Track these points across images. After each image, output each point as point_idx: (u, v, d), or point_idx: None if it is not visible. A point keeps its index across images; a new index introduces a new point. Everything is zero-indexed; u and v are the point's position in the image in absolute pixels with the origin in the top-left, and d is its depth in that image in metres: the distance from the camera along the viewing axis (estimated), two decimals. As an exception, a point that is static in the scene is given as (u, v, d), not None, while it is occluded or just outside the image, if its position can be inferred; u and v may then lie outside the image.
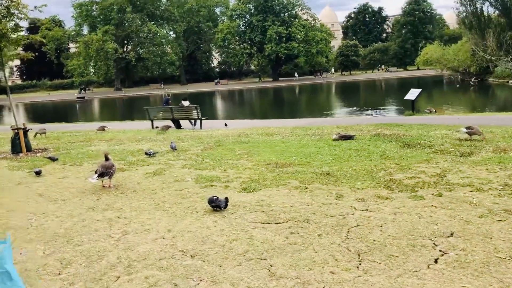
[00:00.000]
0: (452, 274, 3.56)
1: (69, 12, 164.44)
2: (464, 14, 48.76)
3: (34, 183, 7.83)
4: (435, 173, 7.00)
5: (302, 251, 4.18)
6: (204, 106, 31.62)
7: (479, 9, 47.17)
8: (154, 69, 74.23)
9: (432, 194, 5.80)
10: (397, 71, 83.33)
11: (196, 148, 10.97)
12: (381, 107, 30.36)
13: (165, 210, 5.76)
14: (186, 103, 19.52)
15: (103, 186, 7.18)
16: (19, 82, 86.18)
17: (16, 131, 11.35)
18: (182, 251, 4.39)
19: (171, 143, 11.04)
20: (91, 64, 68.68)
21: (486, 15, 47.76)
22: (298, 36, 72.11)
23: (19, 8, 10.38)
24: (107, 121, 26.37)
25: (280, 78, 77.80)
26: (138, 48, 72.75)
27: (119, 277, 3.91)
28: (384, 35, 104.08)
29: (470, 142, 9.82)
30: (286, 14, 73.72)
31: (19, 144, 11.31)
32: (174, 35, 77.55)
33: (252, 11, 73.27)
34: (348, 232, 4.60)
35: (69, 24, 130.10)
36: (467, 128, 10.21)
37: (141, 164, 9.03)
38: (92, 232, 5.09)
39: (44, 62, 69.24)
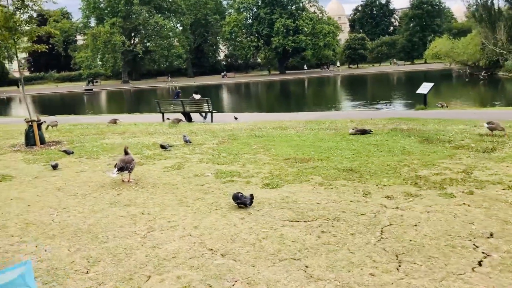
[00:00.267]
0: (500, 278, 3.42)
1: (76, 4, 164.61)
2: (475, 7, 48.19)
3: (51, 176, 7.73)
4: (461, 170, 6.84)
5: (337, 252, 4.05)
6: (212, 99, 31.50)
7: (489, 1, 46.52)
8: (161, 62, 74.01)
9: (463, 192, 5.64)
10: (404, 64, 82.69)
11: (211, 142, 10.85)
12: (390, 101, 30.08)
13: (189, 206, 5.64)
14: (197, 96, 19.37)
15: (123, 181, 7.08)
16: (27, 74, 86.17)
17: (30, 123, 11.26)
18: (212, 249, 4.27)
19: (184, 136, 10.92)
20: (99, 57, 68.52)
21: (497, 8, 47.18)
22: (306, 29, 71.55)
23: (34, 0, 10.26)
24: (116, 114, 26.30)
25: (286, 71, 77.40)
26: (145, 41, 72.50)
27: (149, 276, 3.80)
28: (392, 28, 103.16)
29: (491, 137, 9.63)
30: (294, 6, 73.11)
31: (33, 137, 11.23)
32: (181, 28, 77.19)
33: (259, 4, 72.75)
34: (381, 231, 4.46)
35: (77, 16, 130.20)
36: (489, 123, 10.01)
37: (158, 158, 8.92)
38: (117, 229, 4.98)
39: (51, 54, 69.17)
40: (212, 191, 6.28)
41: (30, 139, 11.26)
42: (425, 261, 3.76)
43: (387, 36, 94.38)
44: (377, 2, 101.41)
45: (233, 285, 3.56)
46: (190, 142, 10.72)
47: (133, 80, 73.11)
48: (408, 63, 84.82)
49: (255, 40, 72.96)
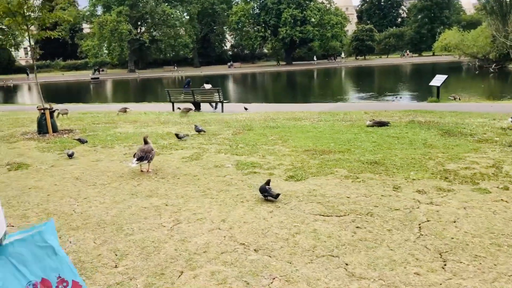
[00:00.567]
0: (556, 280, 3.24)
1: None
2: (486, -2, 47.59)
3: (68, 165, 7.59)
4: (490, 164, 6.63)
5: (376, 248, 3.87)
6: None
7: (501, -7, 45.90)
8: (168, 51, 73.72)
9: (497, 187, 5.44)
10: (412, 56, 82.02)
11: (226, 132, 10.67)
12: (398, 93, 29.76)
13: (213, 198, 5.48)
14: (208, 86, 19.17)
15: (141, 171, 6.92)
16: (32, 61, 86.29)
17: (42, 111, 11.11)
18: (243, 244, 4.10)
19: (196, 126, 10.74)
20: (105, 45, 68.25)
21: (508, 0, 46.54)
22: (313, 20, 70.97)
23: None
24: (123, 103, 26.12)
25: (293, 62, 76.91)
26: (152, 30, 72.18)
27: (182, 272, 3.64)
28: (399, 20, 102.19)
29: (515, 131, 9.40)
30: (301, -4, 72.55)
31: (45, 125, 11.09)
32: (188, 17, 76.75)
33: (267, -7, 72.19)
34: (420, 227, 4.28)
35: (83, 4, 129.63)
36: (512, 117, 9.78)
37: (174, 148, 8.76)
38: (141, 221, 4.82)
39: (58, 43, 68.92)
40: (235, 182, 6.11)
41: (43, 127, 11.12)
42: (471, 260, 3.58)
43: (395, 27, 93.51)
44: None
45: (271, 283, 3.40)
46: (204, 132, 10.56)
47: (139, 69, 72.90)
48: (416, 55, 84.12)
49: (262, 30, 72.51)
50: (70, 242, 4.36)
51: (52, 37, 11.25)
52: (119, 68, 78.47)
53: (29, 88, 53.30)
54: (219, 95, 17.73)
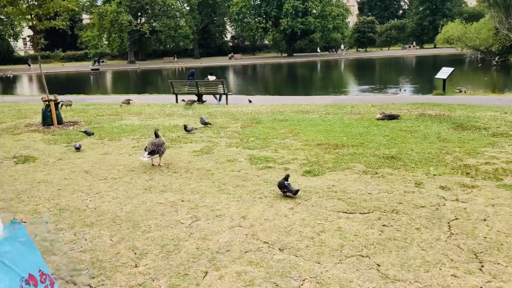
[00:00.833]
0: None
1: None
2: (489, -10, 47.19)
3: (76, 158, 7.42)
4: (510, 159, 6.47)
5: (407, 248, 3.72)
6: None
7: (504, -15, 45.51)
8: (168, 42, 73.20)
9: (522, 183, 5.29)
10: (417, 48, 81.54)
11: (234, 125, 10.49)
12: (399, 86, 29.55)
13: (230, 194, 5.32)
14: (212, 78, 18.93)
15: (153, 165, 6.76)
16: (31, 52, 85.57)
17: (47, 102, 10.91)
18: (267, 242, 3.95)
19: (202, 118, 10.54)
20: (105, 36, 67.71)
21: (512, -9, 46.17)
22: (315, 11, 70.42)
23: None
24: (124, 94, 25.88)
25: (294, 54, 76.46)
26: (152, 21, 71.58)
27: (206, 272, 3.49)
28: (401, 11, 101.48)
29: (529, 125, 9.23)
30: (303, -13, 71.92)
31: (50, 117, 10.90)
32: (188, 8, 76.12)
33: (268, -16, 71.57)
34: (449, 226, 4.13)
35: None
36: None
37: (183, 141, 8.58)
38: (158, 217, 4.66)
39: (57, 33, 68.39)
40: (250, 177, 5.95)
41: (47, 119, 10.93)
42: (509, 262, 3.43)
43: (396, 19, 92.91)
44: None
45: (301, 285, 3.24)
46: (210, 124, 10.38)
47: (139, 61, 72.46)
48: (417, 47, 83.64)
49: (263, 21, 71.94)
50: (86, 239, 4.20)
51: (57, 27, 11.02)
52: (119, 59, 77.98)
53: (30, 79, 52.96)
54: (223, 87, 17.51)
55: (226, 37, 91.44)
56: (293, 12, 68.03)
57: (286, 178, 5.19)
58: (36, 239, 4.23)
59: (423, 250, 3.68)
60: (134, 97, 20.80)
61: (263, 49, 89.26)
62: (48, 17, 11.58)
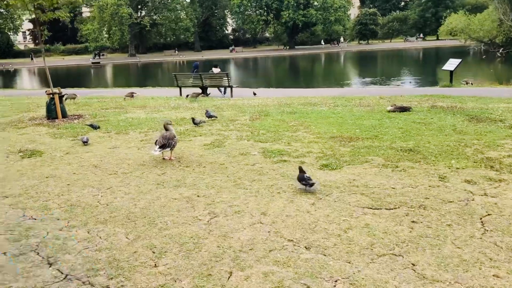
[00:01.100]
0: None
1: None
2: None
3: (84, 152, 7.22)
4: (532, 152, 6.26)
5: (441, 246, 3.52)
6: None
7: (508, -25, 45.06)
8: (169, 35, 72.73)
9: (551, 177, 5.08)
10: (422, 39, 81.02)
11: (243, 118, 10.28)
12: (406, 78, 29.29)
13: (247, 189, 5.12)
14: (216, 70, 18.69)
15: (163, 159, 6.56)
16: (31, 46, 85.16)
17: (51, 96, 10.70)
18: (292, 240, 3.75)
19: (207, 111, 10.31)
20: (105, 29, 67.23)
21: (516, -18, 45.74)
22: (316, 3, 69.96)
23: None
24: (127, 87, 25.65)
25: (296, 47, 76.01)
26: (152, 14, 71.08)
27: (231, 272, 3.30)
28: (403, 3, 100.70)
29: (546, 117, 9.01)
30: (305, -21, 71.36)
31: (54, 110, 10.69)
32: (188, 0, 75.57)
33: (269, -24, 70.97)
34: (482, 222, 3.93)
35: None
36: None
37: (192, 134, 8.38)
38: (174, 213, 4.47)
39: (57, 26, 68.03)
40: (266, 172, 5.75)
41: (52, 112, 10.73)
42: (553, 261, 3.24)
43: (398, 11, 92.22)
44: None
45: (334, 286, 3.05)
46: (216, 117, 10.16)
47: (140, 54, 72.08)
48: (420, 39, 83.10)
49: (265, 13, 71.45)
50: (100, 237, 4.01)
51: (61, 19, 10.77)
52: (119, 52, 77.59)
53: (33, 73, 52.68)
54: (228, 79, 17.28)
55: (227, 30, 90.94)
56: (295, 4, 67.58)
57: (301, 169, 5.00)
58: (49, 236, 4.05)
59: (459, 248, 3.49)
60: (138, 90, 20.58)
61: (264, 42, 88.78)
62: (51, 8, 11.30)
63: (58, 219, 4.47)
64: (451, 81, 20.04)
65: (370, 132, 8.11)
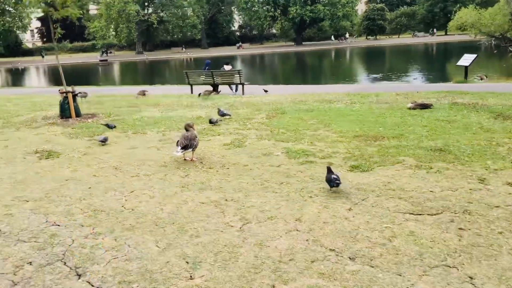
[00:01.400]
0: None
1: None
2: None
3: (102, 153, 7.03)
4: None
5: (497, 257, 3.28)
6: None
7: (521, -32, 44.29)
8: (176, 32, 72.42)
9: None
10: (424, 36, 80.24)
11: (259, 116, 10.06)
12: (417, 74, 28.89)
13: (276, 192, 4.90)
14: (228, 68, 18.45)
15: (185, 159, 6.35)
16: (39, 44, 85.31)
17: (64, 94, 10.53)
18: (334, 250, 3.53)
19: (220, 110, 10.07)
20: (112, 27, 67.09)
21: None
22: (324, -1, 69.38)
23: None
24: (137, 85, 25.47)
25: (303, 43, 75.50)
26: (159, 11, 70.83)
27: (273, 286, 3.08)
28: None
29: None
30: (312, -25, 70.74)
31: (68, 109, 10.52)
32: (195, -3, 75.21)
33: (276, -28, 70.46)
34: (536, 230, 3.69)
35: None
36: None
37: (210, 134, 8.17)
38: (204, 219, 4.26)
39: (65, 24, 67.88)
40: (293, 174, 5.52)
41: (65, 111, 10.56)
42: None
43: (406, 6, 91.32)
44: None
45: (388, 302, 2.83)
46: (229, 115, 9.92)
47: (147, 51, 71.90)
48: (427, 34, 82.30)
49: (272, 9, 70.91)
50: (129, 245, 3.81)
51: (72, 16, 10.58)
52: (126, 50, 77.47)
53: (43, 71, 52.73)
54: (239, 76, 17.05)
55: (234, 27, 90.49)
56: (302, 0, 67.04)
57: (329, 170, 4.79)
58: (74, 245, 3.85)
59: (517, 259, 3.25)
60: (147, 88, 20.41)
61: (270, 38, 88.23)
62: (63, 6, 11.10)
63: (82, 225, 4.28)
64: (466, 76, 19.68)
65: (395, 130, 7.86)
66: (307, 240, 3.73)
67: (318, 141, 7.23)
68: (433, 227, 3.82)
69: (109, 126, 8.98)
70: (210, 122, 9.16)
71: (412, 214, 4.12)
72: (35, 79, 43.13)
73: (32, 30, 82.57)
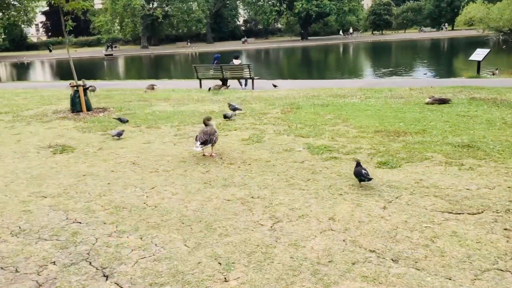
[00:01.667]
0: None
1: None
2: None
3: (117, 148, 6.85)
4: None
5: (552, 260, 3.09)
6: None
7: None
8: (181, 26, 72.08)
9: None
10: (431, 31, 79.63)
11: (274, 111, 9.86)
12: (420, 69, 28.57)
13: (303, 189, 4.71)
14: (237, 62, 18.21)
15: (203, 155, 6.17)
16: (44, 38, 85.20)
17: (75, 88, 10.35)
18: (374, 251, 3.34)
19: (231, 104, 9.86)
20: (117, 21, 66.80)
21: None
22: (330, -7, 68.79)
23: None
24: (142, 80, 25.29)
25: (309, 37, 75.06)
26: (164, 5, 70.51)
27: (315, 289, 2.90)
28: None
29: None
30: (318, -31, 70.15)
31: (79, 103, 10.35)
32: (201, -9, 74.79)
33: (282, -34, 69.98)
34: None
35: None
36: None
37: (227, 129, 7.98)
38: (231, 217, 4.08)
39: (70, 18, 67.76)
40: (319, 170, 5.32)
41: (76, 105, 10.39)
42: None
43: (412, 1, 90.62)
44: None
45: (442, 308, 2.64)
46: (241, 110, 9.72)
47: (152, 46, 71.66)
48: (434, 29, 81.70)
49: (277, 4, 70.50)
50: (156, 245, 3.63)
51: (83, 8, 10.39)
52: (131, 44, 77.27)
53: (50, 66, 52.63)
54: (249, 71, 16.82)
55: (239, 21, 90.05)
56: (308, -6, 66.57)
57: (358, 163, 4.62)
58: (98, 243, 3.68)
59: None
60: (156, 83, 20.22)
61: (276, 33, 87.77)
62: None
63: (104, 223, 4.11)
64: (478, 71, 19.39)
65: (416, 126, 7.65)
66: (343, 240, 3.54)
67: (339, 137, 7.03)
68: (476, 227, 3.62)
69: (122, 120, 8.80)
70: (225, 117, 8.97)
71: (451, 213, 3.92)
72: (41, 73, 43.00)
73: (37, 24, 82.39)
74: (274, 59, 50.97)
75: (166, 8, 70.35)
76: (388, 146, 6.29)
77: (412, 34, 76.62)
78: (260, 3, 72.82)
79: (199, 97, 13.46)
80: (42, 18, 79.64)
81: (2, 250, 3.65)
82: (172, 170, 5.59)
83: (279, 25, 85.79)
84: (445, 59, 37.80)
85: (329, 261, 3.23)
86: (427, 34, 74.07)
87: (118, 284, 3.09)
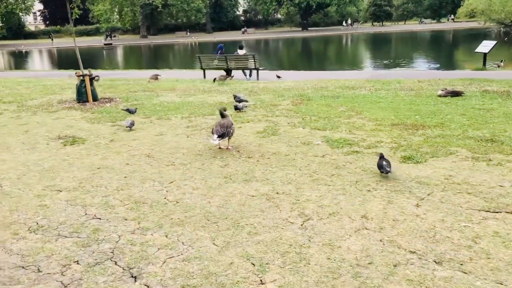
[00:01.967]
0: None
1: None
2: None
3: (130, 140, 6.67)
4: None
5: None
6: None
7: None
8: (180, 16, 71.47)
9: None
10: (431, 23, 79.21)
11: (284, 103, 9.68)
12: (424, 60, 28.38)
13: (329, 185, 4.54)
14: (241, 52, 17.97)
15: (220, 148, 5.99)
16: (42, 27, 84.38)
17: (81, 78, 10.13)
18: (414, 252, 3.18)
19: (236, 96, 9.66)
20: (116, 11, 66.12)
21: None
22: (331, -17, 68.23)
23: None
24: (143, 69, 25.00)
25: (309, 28, 74.56)
26: (163, -7, 69.81)
27: (361, 294, 2.74)
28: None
29: None
30: (319, -42, 69.46)
31: (85, 93, 10.14)
32: (200, -20, 74.02)
33: (282, -45, 69.24)
34: None
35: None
36: None
37: (239, 121, 7.79)
38: (258, 214, 3.92)
39: (75, 6, 66.93)
40: (342, 165, 5.16)
41: (82, 95, 10.18)
42: None
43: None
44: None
45: (498, 316, 2.49)
46: (247, 101, 9.51)
47: (151, 35, 71.08)
48: (434, 21, 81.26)
49: (278, -6, 69.93)
50: (183, 243, 3.47)
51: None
52: (130, 33, 76.60)
53: (48, 54, 52.13)
54: (254, 61, 16.57)
55: (238, 11, 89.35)
56: (309, -16, 66.00)
57: (381, 156, 4.55)
58: (122, 241, 3.52)
59: None
60: (158, 72, 19.95)
61: (275, 24, 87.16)
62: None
63: (125, 219, 3.94)
64: (484, 64, 19.18)
65: (433, 119, 7.49)
66: (380, 240, 3.38)
67: (356, 130, 6.86)
68: (518, 227, 3.47)
69: (130, 111, 8.59)
70: (236, 108, 8.78)
71: (488, 211, 3.77)
72: (40, 62, 42.58)
73: (34, 13, 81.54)
74: (274, 49, 50.62)
75: (166, -3, 69.64)
76: (409, 140, 6.12)
77: (412, 25, 76.17)
78: (261, -8, 72.17)
79: (205, 87, 13.24)
80: (40, 6, 78.77)
81: (22, 247, 3.49)
82: (189, 164, 5.41)
83: (279, 16, 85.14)
84: (447, 51, 37.58)
85: (369, 263, 3.07)
86: (428, 26, 73.64)
87: (148, 286, 2.93)
